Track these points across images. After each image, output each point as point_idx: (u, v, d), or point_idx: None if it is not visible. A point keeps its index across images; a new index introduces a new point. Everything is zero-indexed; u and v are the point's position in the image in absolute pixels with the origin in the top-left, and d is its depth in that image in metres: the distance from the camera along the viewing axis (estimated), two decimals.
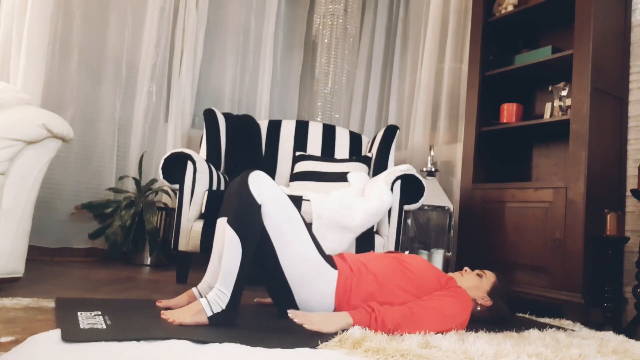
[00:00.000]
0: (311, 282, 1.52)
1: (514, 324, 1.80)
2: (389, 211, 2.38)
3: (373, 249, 2.33)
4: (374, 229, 2.39)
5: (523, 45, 2.90)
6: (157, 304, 1.60)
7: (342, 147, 3.12)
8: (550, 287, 2.27)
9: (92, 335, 1.14)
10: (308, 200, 2.30)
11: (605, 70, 2.37)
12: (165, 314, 1.42)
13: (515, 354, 1.29)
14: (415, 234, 3.06)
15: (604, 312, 2.18)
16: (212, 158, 2.80)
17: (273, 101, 3.91)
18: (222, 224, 1.61)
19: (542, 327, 1.80)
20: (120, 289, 2.03)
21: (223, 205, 1.65)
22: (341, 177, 2.77)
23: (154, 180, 3.14)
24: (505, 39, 2.94)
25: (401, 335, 1.40)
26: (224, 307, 1.39)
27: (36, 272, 2.28)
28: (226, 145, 2.91)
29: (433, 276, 1.67)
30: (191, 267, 2.45)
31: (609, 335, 1.79)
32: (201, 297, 1.56)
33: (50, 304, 1.55)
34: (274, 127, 3.16)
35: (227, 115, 3.02)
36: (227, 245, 1.41)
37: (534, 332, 1.66)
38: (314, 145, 3.11)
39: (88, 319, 1.31)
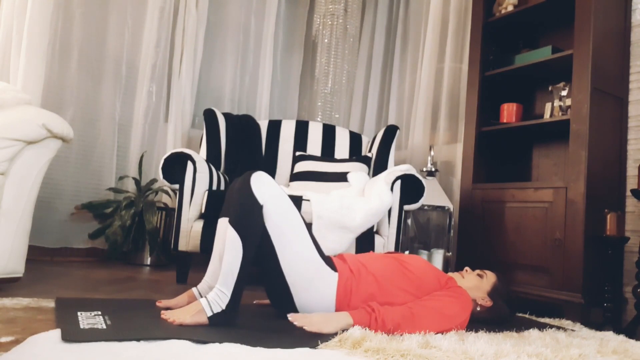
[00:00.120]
0: (311, 284, 1.52)
1: (514, 324, 1.80)
2: (389, 211, 2.38)
3: (373, 249, 2.33)
4: (374, 229, 2.39)
5: (523, 45, 2.90)
6: (157, 304, 1.60)
7: (342, 147, 3.12)
8: (550, 287, 2.27)
9: (92, 335, 1.14)
10: (308, 200, 2.30)
11: (605, 70, 2.37)
12: (165, 314, 1.42)
13: (515, 354, 1.29)
14: (415, 234, 3.06)
15: (604, 312, 2.18)
16: (212, 158, 2.80)
17: (273, 101, 3.91)
18: (223, 224, 1.61)
19: (542, 327, 1.80)
20: (120, 289, 2.03)
21: (224, 205, 1.65)
22: (341, 177, 2.77)
23: (154, 180, 3.14)
24: (505, 39, 2.94)
25: (401, 335, 1.40)
26: (224, 307, 1.39)
27: (36, 272, 2.28)
28: (226, 145, 2.91)
29: (433, 276, 1.67)
30: (191, 267, 2.45)
31: (609, 335, 1.79)
32: (201, 297, 1.56)
33: (50, 304, 1.55)
34: (274, 127, 3.16)
35: (227, 115, 3.02)
36: (228, 246, 1.41)
37: (534, 332, 1.66)
38: (314, 145, 3.11)
39: (88, 319, 1.31)
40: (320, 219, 2.25)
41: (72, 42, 3.02)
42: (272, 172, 3.03)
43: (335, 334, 1.35)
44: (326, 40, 3.66)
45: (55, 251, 2.93)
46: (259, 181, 1.48)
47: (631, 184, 2.39)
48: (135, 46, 3.26)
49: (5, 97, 1.88)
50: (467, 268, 1.82)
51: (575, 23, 2.37)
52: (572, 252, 2.20)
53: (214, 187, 2.48)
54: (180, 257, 2.41)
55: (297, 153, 3.04)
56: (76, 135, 2.98)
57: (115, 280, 2.29)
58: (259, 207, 1.46)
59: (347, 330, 1.36)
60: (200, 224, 2.32)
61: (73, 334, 1.14)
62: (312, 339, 1.29)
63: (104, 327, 1.24)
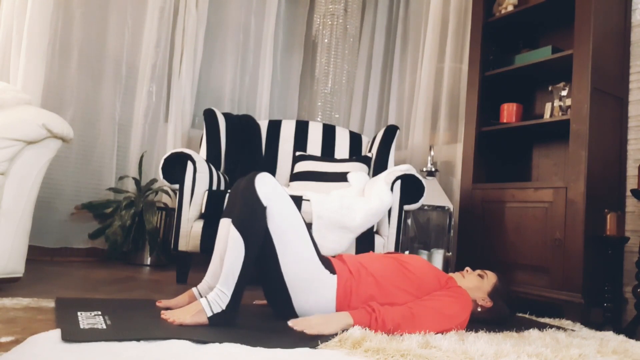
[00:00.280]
0: (310, 286, 1.52)
1: (514, 324, 1.80)
2: (389, 211, 2.38)
3: (373, 249, 2.33)
4: (374, 229, 2.39)
5: (523, 45, 2.90)
6: (157, 304, 1.60)
7: (342, 147, 3.12)
8: (550, 287, 2.27)
9: (92, 335, 1.14)
10: (308, 200, 2.30)
11: (605, 70, 2.37)
12: (165, 314, 1.42)
13: (515, 354, 1.29)
14: (415, 234, 3.06)
15: (604, 312, 2.18)
16: (212, 158, 2.80)
17: (273, 101, 3.91)
18: (225, 224, 1.61)
19: (542, 327, 1.80)
20: (120, 289, 2.03)
21: (227, 206, 1.65)
22: (341, 177, 2.77)
23: (154, 180, 3.14)
24: (505, 39, 2.94)
25: (401, 335, 1.40)
26: (224, 308, 1.39)
27: (36, 272, 2.28)
28: (226, 145, 2.91)
29: (433, 276, 1.67)
30: (191, 267, 2.45)
31: (609, 335, 1.79)
32: (201, 297, 1.56)
33: (50, 304, 1.55)
34: (274, 127, 3.16)
35: (227, 115, 3.02)
36: (230, 246, 1.41)
37: (534, 332, 1.66)
38: (314, 145, 3.11)
39: (88, 319, 1.31)
40: (320, 219, 2.25)
41: (72, 42, 3.02)
42: (272, 172, 3.03)
43: (336, 334, 1.35)
44: (326, 40, 3.66)
45: (55, 251, 2.93)
46: (264, 182, 1.48)
47: (631, 184, 2.39)
48: (135, 46, 3.26)
49: (5, 97, 1.88)
50: (467, 268, 1.82)
51: (575, 23, 2.37)
52: (572, 252, 2.20)
53: (214, 187, 2.48)
54: (180, 257, 2.41)
55: (297, 153, 3.04)
56: (76, 135, 2.99)
57: (115, 280, 2.29)
58: (263, 209, 1.46)
59: (347, 330, 1.36)
60: (200, 224, 2.32)
61: (73, 334, 1.14)
62: (312, 339, 1.29)
63: (104, 327, 1.24)
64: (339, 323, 1.39)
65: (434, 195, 2.92)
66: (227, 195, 2.29)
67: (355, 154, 3.11)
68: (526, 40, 2.93)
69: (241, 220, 1.43)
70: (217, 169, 2.75)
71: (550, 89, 2.63)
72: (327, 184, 2.74)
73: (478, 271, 1.78)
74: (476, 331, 1.56)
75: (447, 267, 2.86)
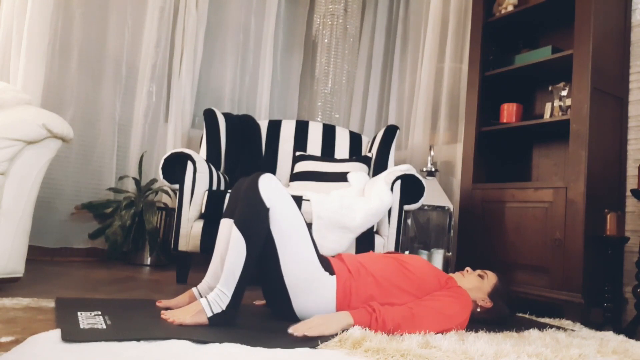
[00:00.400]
0: (310, 287, 1.51)
1: (514, 324, 1.80)
2: (389, 211, 2.38)
3: (373, 249, 2.33)
4: (374, 229, 2.39)
5: (523, 45, 2.90)
6: (157, 304, 1.60)
7: (342, 147, 3.12)
8: (550, 287, 2.27)
9: (92, 335, 1.14)
10: (308, 200, 2.30)
11: (605, 70, 2.37)
12: (165, 314, 1.42)
13: (515, 354, 1.29)
14: (415, 234, 3.06)
15: (604, 312, 2.18)
16: (212, 158, 2.80)
17: (273, 101, 3.91)
18: (226, 225, 1.61)
19: (542, 327, 1.80)
20: (120, 289, 2.03)
21: (228, 206, 1.65)
22: (341, 177, 2.77)
23: (154, 180, 3.14)
24: (505, 39, 2.94)
25: (401, 335, 1.40)
26: (224, 308, 1.39)
27: (36, 272, 2.28)
28: (226, 145, 2.91)
29: (433, 276, 1.67)
30: (191, 267, 2.45)
31: (609, 335, 1.79)
32: (201, 297, 1.56)
33: (50, 304, 1.55)
34: (274, 127, 3.16)
35: (227, 115, 3.02)
36: (232, 246, 1.41)
37: (534, 332, 1.66)
38: (314, 145, 3.11)
39: (88, 319, 1.31)
40: (320, 219, 2.25)
41: (72, 42, 3.02)
42: (272, 172, 3.03)
43: (336, 334, 1.34)
44: (326, 40, 3.66)
45: (55, 251, 2.93)
46: (267, 184, 1.48)
47: (631, 184, 2.39)
48: (135, 46, 3.26)
49: (5, 97, 1.88)
50: (468, 268, 1.82)
51: (575, 23, 2.37)
52: (572, 252, 2.20)
53: (214, 187, 2.48)
54: (180, 257, 2.41)
55: (297, 153, 3.04)
56: (76, 135, 2.99)
57: (115, 280, 2.29)
58: (266, 210, 1.46)
59: (347, 330, 1.36)
60: (200, 224, 2.32)
61: (73, 334, 1.14)
62: (312, 339, 1.29)
63: (104, 327, 1.24)
64: (339, 323, 1.39)
65: (434, 195, 2.92)
66: (228, 195, 2.30)
67: (355, 154, 3.11)
68: (526, 40, 2.93)
69: (243, 221, 1.43)
70: (217, 169, 2.75)
71: (550, 89, 2.63)
72: (327, 184, 2.74)
73: (478, 271, 1.78)
74: (476, 331, 1.56)
75: (447, 267, 2.86)
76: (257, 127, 3.11)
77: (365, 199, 2.35)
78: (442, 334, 1.47)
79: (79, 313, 1.38)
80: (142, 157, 3.13)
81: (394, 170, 2.42)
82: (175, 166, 2.35)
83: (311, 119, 3.86)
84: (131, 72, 3.25)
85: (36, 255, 2.80)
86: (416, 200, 2.44)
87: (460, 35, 3.33)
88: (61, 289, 1.90)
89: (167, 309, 1.56)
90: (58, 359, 0.98)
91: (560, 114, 2.53)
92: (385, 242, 2.37)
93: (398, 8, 3.97)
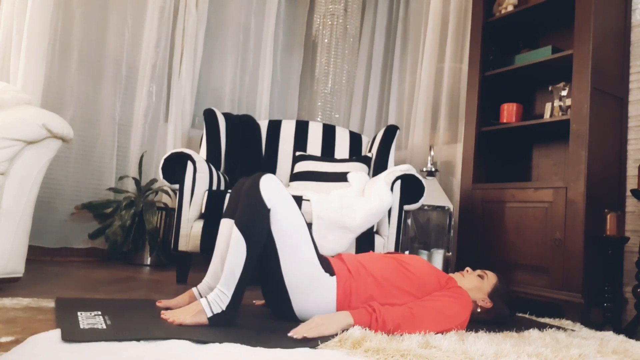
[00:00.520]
0: (310, 287, 1.51)
1: (514, 324, 1.80)
2: (389, 211, 2.38)
3: (373, 249, 2.33)
4: (374, 229, 2.39)
5: (523, 45, 2.90)
6: (157, 304, 1.60)
7: (342, 147, 3.12)
8: (550, 287, 2.27)
9: (92, 335, 1.14)
10: (308, 200, 2.30)
11: (605, 70, 2.37)
12: (165, 314, 1.42)
13: (515, 354, 1.29)
14: (415, 234, 3.06)
15: (604, 312, 2.18)
16: (212, 158, 2.80)
17: (273, 101, 3.91)
18: (226, 225, 1.61)
19: (542, 327, 1.80)
20: (120, 289, 2.03)
21: (228, 206, 1.65)
22: (341, 177, 2.77)
23: (154, 180, 3.14)
24: (505, 39, 2.94)
25: (401, 335, 1.39)
26: (224, 308, 1.39)
27: (36, 272, 2.28)
28: (226, 145, 2.91)
29: (433, 276, 1.67)
30: (191, 267, 2.45)
31: (609, 335, 1.79)
32: (201, 297, 1.56)
33: (50, 304, 1.55)
34: (274, 127, 3.16)
35: (227, 115, 3.02)
36: (232, 247, 1.41)
37: (534, 332, 1.66)
38: (314, 145, 3.11)
39: (88, 319, 1.31)
40: (320, 219, 2.25)
41: (72, 42, 3.02)
42: (272, 172, 3.01)
43: (336, 334, 1.34)
44: (326, 40, 3.66)
45: (55, 251, 2.93)
46: (269, 184, 1.48)
47: (631, 184, 2.39)
48: (135, 46, 3.26)
49: (5, 97, 1.88)
50: (468, 268, 1.82)
51: (575, 23, 2.37)
52: (572, 252, 2.20)
53: (214, 187, 2.48)
54: (180, 257, 2.41)
55: (297, 153, 3.04)
56: (76, 135, 2.99)
57: (115, 280, 2.29)
58: (267, 211, 1.46)
59: (347, 330, 1.36)
60: (200, 224, 2.32)
61: (73, 334, 1.14)
62: (313, 339, 1.29)
63: (104, 327, 1.24)
64: (340, 323, 1.39)
65: (434, 195, 2.92)
66: (228, 195, 2.30)
67: (355, 154, 3.11)
68: (526, 40, 2.93)
69: (244, 221, 1.43)
70: (217, 169, 2.75)
71: (550, 89, 2.63)
72: (327, 184, 2.74)
73: (478, 271, 1.78)
74: (476, 331, 1.56)
75: (447, 267, 2.86)
76: (257, 127, 3.11)
77: (365, 199, 2.35)
78: (442, 334, 1.47)
79: (79, 313, 1.38)
80: (142, 157, 3.13)
81: (394, 170, 2.42)
82: (175, 166, 2.35)
83: (311, 119, 3.86)
84: (131, 72, 3.25)
85: (36, 255, 2.80)
86: (416, 200, 2.44)
87: (460, 35, 3.33)
88: (61, 289, 1.90)
89: (167, 309, 1.56)
90: (58, 359, 0.98)
91: (560, 114, 2.53)
92: (385, 242, 2.37)
93: (398, 8, 3.97)
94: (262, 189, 1.46)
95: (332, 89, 3.68)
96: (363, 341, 1.26)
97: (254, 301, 1.87)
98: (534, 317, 2.14)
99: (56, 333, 1.13)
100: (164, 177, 2.35)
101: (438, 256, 2.83)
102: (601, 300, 2.20)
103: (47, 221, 2.89)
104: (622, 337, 1.75)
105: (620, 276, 2.35)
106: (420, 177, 2.40)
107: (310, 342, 1.26)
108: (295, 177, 2.89)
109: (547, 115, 2.62)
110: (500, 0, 2.86)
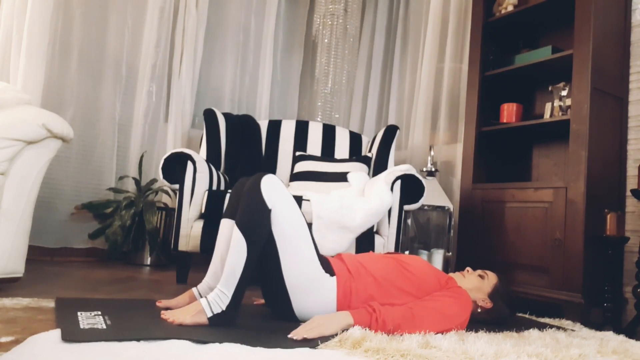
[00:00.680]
0: (310, 287, 1.51)
1: (514, 324, 1.80)
2: (389, 211, 2.38)
3: (373, 249, 2.33)
4: (374, 229, 2.39)
5: (523, 45, 2.90)
6: (157, 304, 1.60)
7: (342, 147, 3.12)
8: (550, 287, 2.27)
9: (92, 335, 1.14)
10: (308, 200, 2.30)
11: (605, 70, 2.37)
12: (165, 314, 1.42)
13: (515, 354, 1.29)
14: (415, 234, 3.06)
15: (604, 312, 2.18)
16: (212, 158, 2.81)
17: (273, 101, 3.91)
18: (227, 225, 1.61)
19: (542, 327, 1.80)
20: (120, 289, 2.03)
21: (228, 206, 1.65)
22: (341, 177, 2.77)
23: (154, 180, 3.14)
24: (505, 39, 2.94)
25: (401, 335, 1.39)
26: (224, 308, 1.38)
27: (36, 272, 2.28)
28: (226, 145, 2.91)
29: (433, 276, 1.67)
30: (191, 267, 2.45)
31: (609, 335, 1.79)
32: (201, 297, 1.56)
33: (50, 304, 1.55)
34: (274, 127, 3.16)
35: (227, 115, 3.02)
36: (233, 247, 1.41)
37: (534, 332, 1.66)
38: (314, 145, 3.11)
39: (88, 319, 1.31)
40: (320, 219, 2.25)
41: (72, 42, 3.02)
42: (272, 172, 3.01)
43: (336, 334, 1.34)
44: (326, 40, 3.66)
45: (55, 251, 2.93)
46: (270, 185, 1.48)
47: (631, 184, 2.39)
48: (135, 46, 3.26)
49: (5, 97, 1.88)
50: (468, 268, 1.81)
51: (575, 23, 2.37)
52: (572, 252, 2.20)
53: (214, 187, 2.48)
54: (180, 257, 2.41)
55: (297, 153, 3.04)
56: (76, 135, 2.99)
57: (115, 280, 2.29)
58: (268, 211, 1.45)
59: (347, 330, 1.36)
60: (200, 224, 2.32)
61: (73, 334, 1.14)
62: (313, 339, 1.29)
63: (104, 327, 1.24)
64: (340, 323, 1.39)
65: (434, 195, 2.92)
66: (228, 195, 2.30)
67: (355, 154, 3.11)
68: (526, 40, 2.93)
69: (245, 222, 1.43)
70: (217, 169, 2.75)
71: (550, 89, 2.63)
72: (327, 184, 2.74)
73: (478, 271, 1.78)
74: (476, 331, 1.56)
75: (447, 267, 2.86)
76: (257, 127, 3.11)
77: (365, 199, 2.35)
78: (442, 334, 1.47)
79: (79, 313, 1.38)
80: (142, 157, 3.13)
81: (394, 170, 2.42)
82: (175, 166, 2.35)
83: (311, 119, 3.86)
84: (131, 72, 3.25)
85: (36, 255, 2.80)
86: (416, 200, 2.44)
87: (460, 35, 3.33)
88: (61, 289, 1.90)
89: (167, 309, 1.56)
90: (58, 359, 0.98)
91: (560, 114, 2.53)
92: (385, 242, 2.37)
93: (398, 8, 3.97)
94: (263, 189, 1.46)
95: (332, 89, 3.68)
96: (363, 341, 1.26)
97: (253, 299, 1.87)
98: (534, 317, 2.14)
99: (56, 333, 1.13)
100: (164, 177, 2.35)
101: (438, 256, 2.83)
102: (601, 300, 2.20)
103: (47, 221, 2.89)
104: (622, 337, 1.75)
105: (620, 276, 2.35)
106: (420, 177, 2.40)
107: (311, 342, 1.26)
108: (295, 177, 2.89)
109: (547, 115, 2.62)
110: (500, 0, 2.86)
